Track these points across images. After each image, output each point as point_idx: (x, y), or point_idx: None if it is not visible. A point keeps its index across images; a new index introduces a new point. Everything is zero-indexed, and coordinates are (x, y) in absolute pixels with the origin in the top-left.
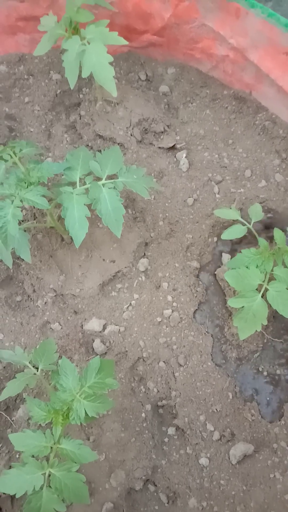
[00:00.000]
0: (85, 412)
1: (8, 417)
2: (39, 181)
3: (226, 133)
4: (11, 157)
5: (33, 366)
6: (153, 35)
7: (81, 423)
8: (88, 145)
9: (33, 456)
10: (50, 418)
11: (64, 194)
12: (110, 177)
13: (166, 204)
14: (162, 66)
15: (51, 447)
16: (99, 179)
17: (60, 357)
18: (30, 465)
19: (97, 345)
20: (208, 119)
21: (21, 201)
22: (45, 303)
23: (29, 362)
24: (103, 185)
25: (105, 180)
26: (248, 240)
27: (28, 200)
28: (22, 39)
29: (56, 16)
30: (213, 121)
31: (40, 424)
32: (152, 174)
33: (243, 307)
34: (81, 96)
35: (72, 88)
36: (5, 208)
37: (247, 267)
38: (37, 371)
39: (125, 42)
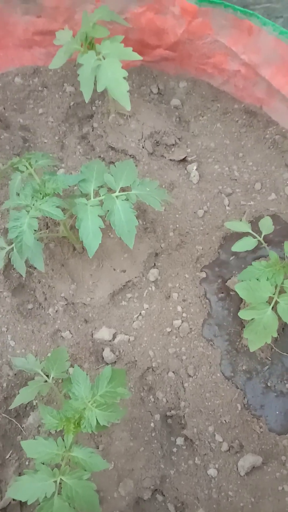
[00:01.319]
0: (97, 421)
1: (18, 424)
2: (54, 192)
3: (237, 146)
4: (27, 168)
5: (45, 374)
6: (165, 49)
7: (91, 431)
8: (100, 157)
9: (44, 464)
10: (62, 426)
11: (79, 206)
12: (124, 189)
13: (177, 216)
14: (174, 80)
15: (63, 455)
16: (113, 191)
17: (72, 366)
18: (42, 472)
19: (107, 354)
20: (218, 133)
21: (37, 211)
22: (56, 311)
23: (41, 370)
24: (117, 197)
25: (119, 192)
26: (258, 252)
27: (44, 210)
28: (37, 52)
29: (71, 31)
30: (224, 135)
31: (50, 432)
32: (163, 186)
33: (253, 319)
34: (93, 108)
35: (86, 102)
36: (21, 218)
37: (258, 280)
38: (49, 379)
39: (140, 58)
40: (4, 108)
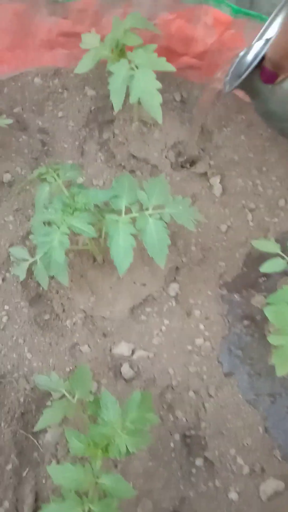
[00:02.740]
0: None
1: (35, 440)
2: (85, 208)
3: (260, 160)
4: (55, 180)
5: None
6: (192, 58)
7: (119, 457)
8: (121, 165)
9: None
10: (90, 451)
11: (110, 223)
12: (156, 207)
13: (199, 229)
14: (198, 88)
15: (90, 482)
16: (145, 209)
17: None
18: (70, 500)
19: (126, 370)
20: (242, 145)
21: (68, 228)
22: (74, 323)
23: (65, 390)
24: (150, 215)
25: (152, 210)
26: (287, 272)
27: (75, 227)
28: (59, 53)
29: (99, 35)
30: (248, 147)
31: (68, 449)
32: (185, 197)
33: (283, 344)
34: (114, 113)
35: (116, 111)
36: (51, 234)
37: None
38: (73, 399)
39: (173, 69)
40: (22, 109)
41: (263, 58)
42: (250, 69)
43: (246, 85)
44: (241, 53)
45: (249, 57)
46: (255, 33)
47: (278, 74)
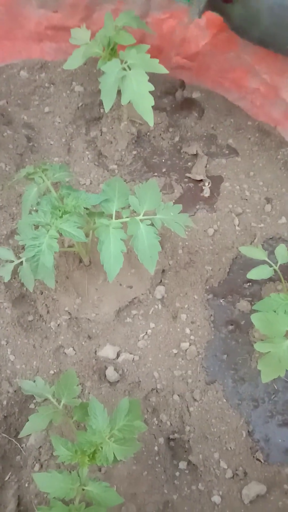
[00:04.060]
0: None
1: (18, 444)
2: (74, 210)
3: (248, 164)
4: (43, 180)
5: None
6: (183, 58)
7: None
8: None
9: (57, 498)
10: (77, 459)
11: (101, 227)
12: (147, 212)
13: (186, 233)
14: (188, 89)
15: (77, 489)
16: (136, 214)
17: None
18: (57, 509)
19: (110, 373)
20: (230, 149)
21: (57, 231)
22: (58, 325)
23: (52, 396)
24: (141, 221)
25: (143, 216)
26: (271, 278)
27: (65, 231)
28: (47, 46)
29: (89, 31)
30: (235, 151)
31: (51, 453)
32: (173, 201)
33: (269, 351)
34: (101, 110)
35: (107, 112)
36: (40, 237)
37: (275, 312)
38: (59, 405)
39: (166, 71)
40: (7, 102)
41: None
42: None
43: (215, 7)
44: None
45: None
46: None
47: None
